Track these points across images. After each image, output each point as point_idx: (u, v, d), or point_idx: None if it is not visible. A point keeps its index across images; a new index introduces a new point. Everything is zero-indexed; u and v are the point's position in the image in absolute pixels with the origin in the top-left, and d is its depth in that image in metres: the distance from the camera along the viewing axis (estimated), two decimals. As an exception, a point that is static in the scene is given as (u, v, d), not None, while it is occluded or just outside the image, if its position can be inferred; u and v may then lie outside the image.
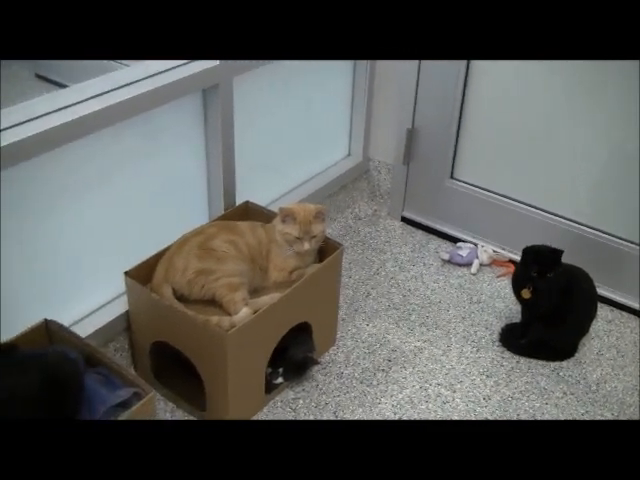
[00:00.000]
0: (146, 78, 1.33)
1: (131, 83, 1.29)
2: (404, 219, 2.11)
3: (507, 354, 1.61)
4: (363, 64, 1.89)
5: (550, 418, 1.35)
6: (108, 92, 1.26)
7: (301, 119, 1.84)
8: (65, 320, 1.29)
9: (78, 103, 1.21)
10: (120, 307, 1.45)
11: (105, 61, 1.33)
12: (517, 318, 1.67)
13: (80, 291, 1.41)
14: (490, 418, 1.32)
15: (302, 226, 1.44)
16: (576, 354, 1.59)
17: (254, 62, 1.48)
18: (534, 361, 1.59)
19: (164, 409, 1.40)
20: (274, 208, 1.56)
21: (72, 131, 1.19)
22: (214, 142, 1.54)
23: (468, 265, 1.92)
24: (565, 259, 1.49)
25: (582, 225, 1.75)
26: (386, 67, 1.90)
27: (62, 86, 1.33)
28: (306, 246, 1.44)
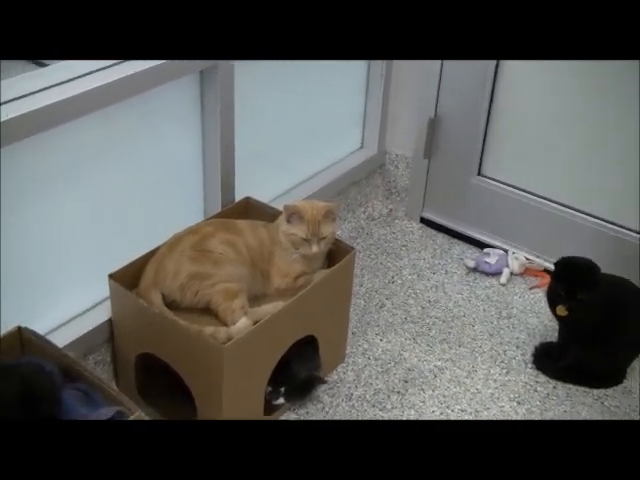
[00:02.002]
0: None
1: (117, 63, 1.26)
2: (424, 220, 2.12)
3: (542, 378, 1.61)
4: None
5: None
6: (92, 73, 1.24)
7: (309, 106, 1.86)
8: (40, 328, 1.28)
9: (58, 85, 1.20)
10: (102, 314, 1.46)
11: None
12: (553, 336, 1.66)
13: (58, 295, 1.41)
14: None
15: (310, 226, 1.45)
16: (624, 381, 1.57)
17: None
18: (573, 387, 1.57)
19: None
20: (278, 205, 1.56)
21: (52, 116, 1.17)
22: (212, 131, 1.55)
23: (497, 274, 1.93)
24: (610, 269, 1.48)
25: (631, 231, 1.74)
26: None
27: (41, 65, 1.28)
28: (314, 249, 1.45)
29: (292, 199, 1.63)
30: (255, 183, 1.72)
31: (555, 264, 1.48)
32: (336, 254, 1.54)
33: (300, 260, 1.48)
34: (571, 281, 1.41)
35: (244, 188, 1.67)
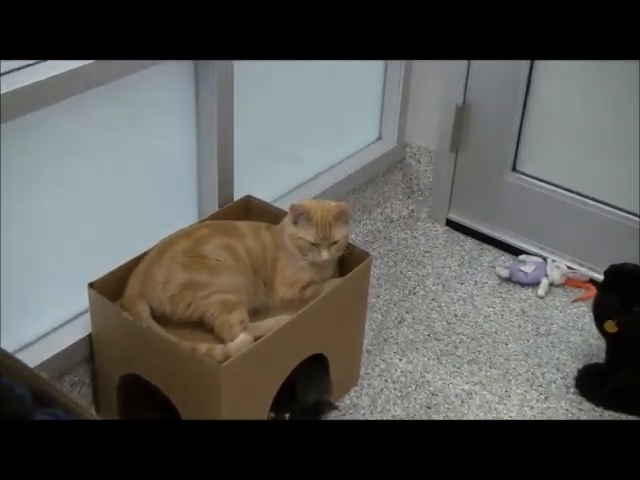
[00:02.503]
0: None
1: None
2: (450, 223, 2.14)
3: (586, 405, 1.60)
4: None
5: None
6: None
7: (320, 92, 1.87)
8: (9, 345, 1.26)
9: (25, 67, 1.17)
10: (81, 329, 1.45)
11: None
12: (600, 357, 1.66)
13: (30, 307, 1.41)
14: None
15: (319, 229, 1.45)
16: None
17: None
18: (623, 416, 1.56)
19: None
20: (283, 205, 1.58)
21: (21, 102, 1.15)
22: (207, 120, 1.55)
23: (534, 285, 1.94)
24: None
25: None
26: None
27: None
28: (324, 255, 1.46)
29: (299, 198, 1.63)
30: (257, 180, 1.74)
31: (605, 273, 1.48)
32: (349, 261, 1.55)
33: (308, 268, 1.49)
34: (625, 292, 1.40)
35: (244, 185, 1.69)
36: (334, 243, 1.47)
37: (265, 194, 1.70)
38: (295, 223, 1.46)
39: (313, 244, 1.46)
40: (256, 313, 1.48)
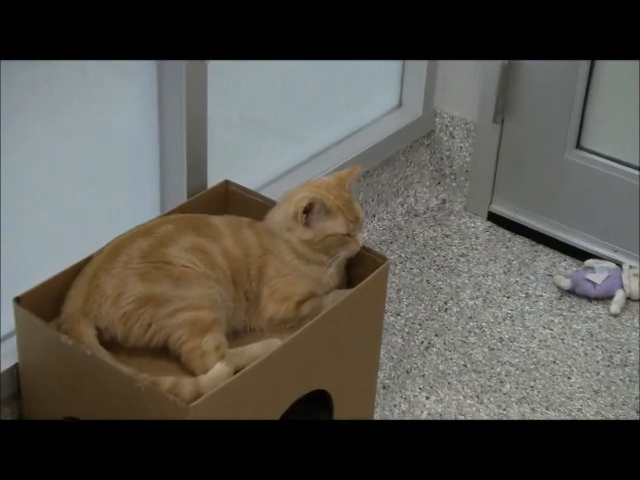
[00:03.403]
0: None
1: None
2: (493, 216, 2.15)
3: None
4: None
5: None
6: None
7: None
8: None
9: None
10: (5, 358, 1.45)
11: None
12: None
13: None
14: None
15: (347, 213, 1.50)
16: None
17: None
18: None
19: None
20: (272, 194, 1.60)
21: None
22: (172, 86, 1.58)
23: (605, 299, 1.95)
24: None
25: None
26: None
27: None
28: (361, 240, 1.52)
29: (289, 184, 1.65)
30: (240, 161, 1.76)
31: None
32: (361, 267, 1.56)
33: (307, 276, 1.52)
34: None
35: (222, 168, 1.70)
36: (360, 221, 1.53)
37: (249, 179, 1.71)
38: (307, 224, 1.50)
39: (347, 235, 1.50)
40: (237, 336, 1.49)
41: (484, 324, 1.92)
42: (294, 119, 1.96)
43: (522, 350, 1.85)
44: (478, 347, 1.86)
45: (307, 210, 1.49)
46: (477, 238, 2.14)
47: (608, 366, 1.81)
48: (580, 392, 1.76)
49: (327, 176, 1.57)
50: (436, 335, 1.88)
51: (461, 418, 1.70)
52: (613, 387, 1.77)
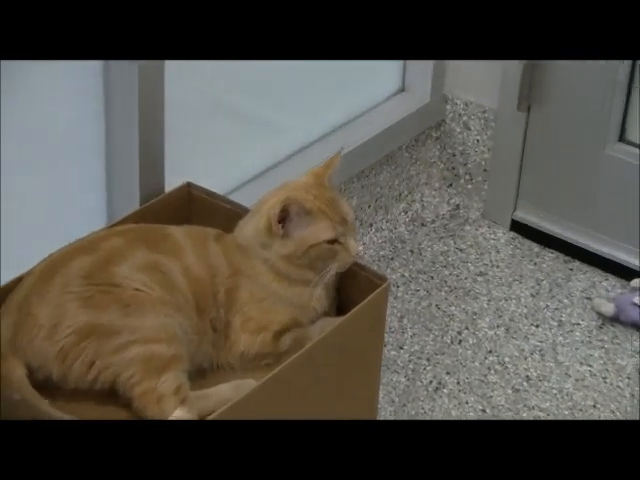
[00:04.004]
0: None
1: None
2: (518, 226, 2.16)
3: None
4: None
5: None
6: None
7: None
8: None
9: None
10: None
11: None
12: None
13: None
14: None
15: (331, 213, 1.51)
16: None
17: None
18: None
19: None
20: (244, 198, 1.59)
21: None
22: (120, 72, 1.60)
23: None
24: None
25: None
26: None
27: None
28: (355, 247, 1.52)
29: (266, 187, 1.64)
30: (206, 158, 1.76)
31: None
32: (354, 288, 1.57)
33: (289, 299, 1.54)
34: None
35: (184, 167, 1.71)
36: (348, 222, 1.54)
37: (218, 181, 1.72)
38: (285, 236, 1.51)
39: (334, 241, 1.51)
40: (202, 375, 1.49)
41: (507, 359, 1.91)
42: (273, 107, 1.97)
43: (554, 392, 1.85)
44: (500, 388, 1.85)
45: (283, 218, 1.49)
46: (498, 252, 2.13)
47: (666, 417, 1.81)
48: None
49: (301, 177, 1.60)
50: (448, 373, 1.87)
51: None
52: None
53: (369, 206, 2.13)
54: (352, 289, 1.58)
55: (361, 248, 2.04)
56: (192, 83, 1.75)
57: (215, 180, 1.74)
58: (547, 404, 1.83)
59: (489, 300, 2.03)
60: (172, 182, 1.70)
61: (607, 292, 2.05)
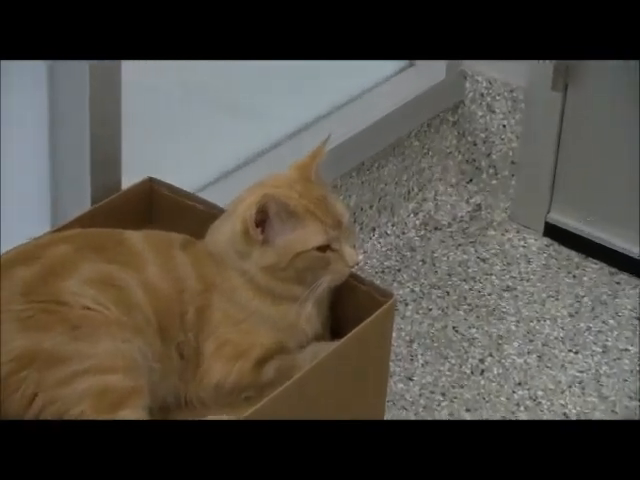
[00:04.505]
0: None
1: None
2: (553, 230, 2.16)
3: None
4: None
5: None
6: None
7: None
8: None
9: None
10: None
11: None
12: None
13: None
14: None
15: (321, 214, 1.51)
16: None
17: None
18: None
19: None
20: (217, 196, 1.60)
21: None
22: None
23: None
24: None
25: None
26: None
27: None
28: (353, 255, 1.52)
29: (244, 183, 1.64)
30: (172, 150, 1.78)
31: None
32: (353, 307, 1.56)
33: (279, 317, 1.54)
34: None
35: (145, 160, 1.73)
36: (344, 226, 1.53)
37: (186, 177, 1.72)
38: (266, 241, 1.50)
39: (326, 248, 1.49)
40: (167, 411, 1.50)
41: (540, 393, 1.88)
42: (252, 87, 1.98)
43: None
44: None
45: (261, 220, 1.48)
46: (529, 263, 2.10)
47: None
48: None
49: (283, 172, 1.59)
50: (467, 410, 1.85)
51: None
52: None
53: (371, 206, 2.11)
54: (350, 307, 1.57)
55: (361, 257, 2.02)
56: (155, 63, 1.72)
57: (184, 176, 1.74)
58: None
59: (518, 321, 2.01)
60: (131, 177, 1.70)
61: (669, 312, 2.03)
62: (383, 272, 2.06)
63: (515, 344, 1.97)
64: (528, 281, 2.09)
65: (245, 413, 1.37)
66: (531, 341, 1.98)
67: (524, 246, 2.15)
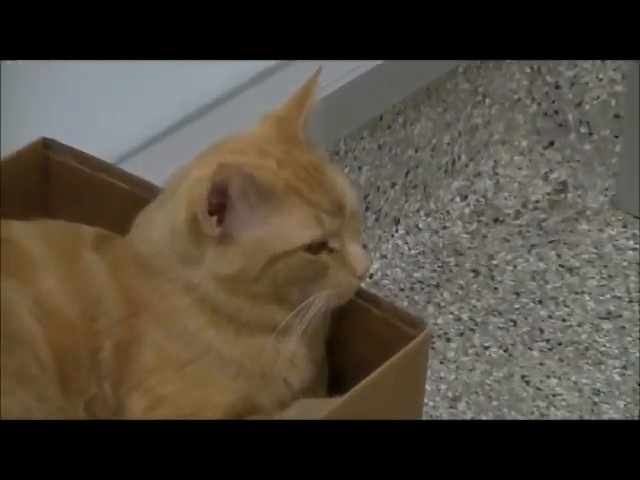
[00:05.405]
0: None
1: None
2: None
3: None
4: None
5: None
6: None
7: None
8: None
9: None
10: None
11: None
12: None
13: None
14: None
15: (309, 187, 1.28)
16: None
17: None
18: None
19: None
20: (143, 169, 1.50)
21: None
22: None
23: None
24: None
25: None
26: None
27: None
28: (363, 257, 1.30)
29: (183, 153, 1.39)
30: (85, 109, 1.72)
31: None
32: (365, 341, 1.35)
33: (247, 358, 1.29)
34: None
35: (39, 115, 1.68)
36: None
37: (104, 145, 1.58)
38: (225, 235, 1.26)
39: (322, 246, 1.26)
40: None
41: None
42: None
43: None
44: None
45: (218, 205, 1.23)
46: (617, 267, 1.85)
47: None
48: None
49: (252, 126, 1.36)
50: None
51: None
52: None
53: (393, 184, 1.85)
54: (359, 343, 1.34)
55: (377, 266, 1.78)
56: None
57: (101, 143, 1.59)
58: None
59: (624, 367, 1.73)
60: (19, 137, 1.53)
61: None
62: (412, 289, 1.83)
63: (620, 404, 1.67)
64: (613, 287, 1.85)
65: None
66: (626, 367, 1.74)
67: (634, 248, 1.83)
